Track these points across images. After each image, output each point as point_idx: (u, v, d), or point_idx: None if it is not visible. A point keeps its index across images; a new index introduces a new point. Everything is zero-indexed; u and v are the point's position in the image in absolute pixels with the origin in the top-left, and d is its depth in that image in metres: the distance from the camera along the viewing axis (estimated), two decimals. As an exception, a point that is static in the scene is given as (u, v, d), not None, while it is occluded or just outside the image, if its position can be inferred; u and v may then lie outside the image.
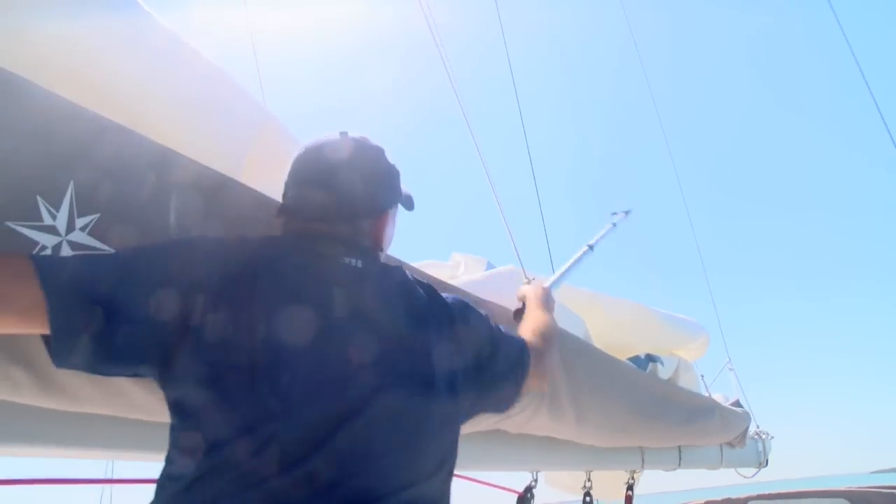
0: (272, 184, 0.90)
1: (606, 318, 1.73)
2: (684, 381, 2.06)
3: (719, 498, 3.89)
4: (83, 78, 0.73)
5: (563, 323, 1.49)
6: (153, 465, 0.87)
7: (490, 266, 1.76)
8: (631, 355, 1.80)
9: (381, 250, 0.96)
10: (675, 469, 2.40)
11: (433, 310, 0.92)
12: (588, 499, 2.16)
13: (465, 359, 0.92)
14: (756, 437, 2.91)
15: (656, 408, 1.84)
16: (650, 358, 1.90)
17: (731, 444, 2.54)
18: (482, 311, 1.01)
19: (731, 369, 3.28)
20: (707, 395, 2.23)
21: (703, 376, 2.31)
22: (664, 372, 1.95)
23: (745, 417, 2.57)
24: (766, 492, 3.82)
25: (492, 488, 1.86)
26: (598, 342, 1.65)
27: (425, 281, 0.97)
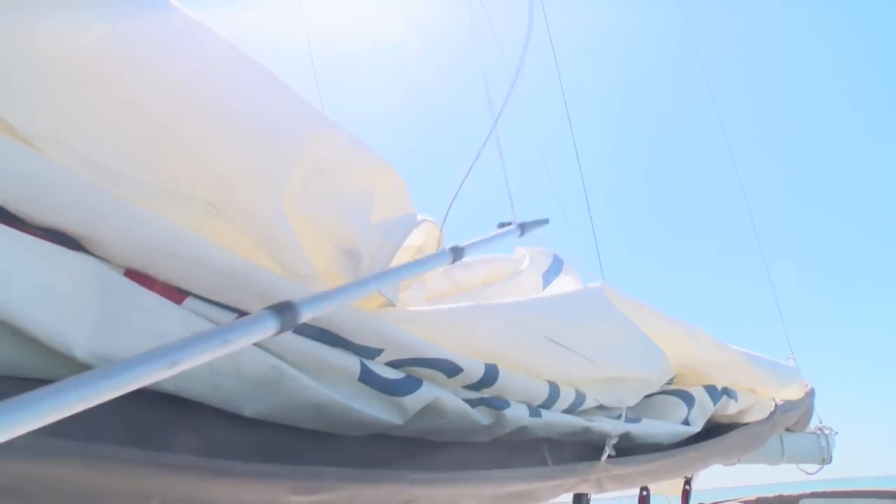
0: (326, 196, 0.85)
1: (689, 351, 1.64)
2: (751, 417, 1.99)
3: (772, 494, 3.80)
4: (109, 77, 0.68)
5: (641, 351, 1.42)
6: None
7: (557, 260, 1.70)
8: (707, 384, 1.73)
9: None
10: (734, 464, 2.35)
11: None
12: (645, 493, 2.12)
13: None
14: (818, 432, 2.83)
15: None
16: (725, 391, 1.81)
17: (789, 430, 2.47)
18: None
19: (792, 359, 3.20)
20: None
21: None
22: (734, 407, 1.88)
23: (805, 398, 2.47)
24: (822, 489, 3.70)
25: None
26: (676, 367, 1.59)
27: None
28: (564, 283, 1.76)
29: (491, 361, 1.08)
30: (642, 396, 1.52)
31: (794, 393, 2.21)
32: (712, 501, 3.58)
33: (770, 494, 3.80)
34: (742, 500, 3.62)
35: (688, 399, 1.65)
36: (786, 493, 3.82)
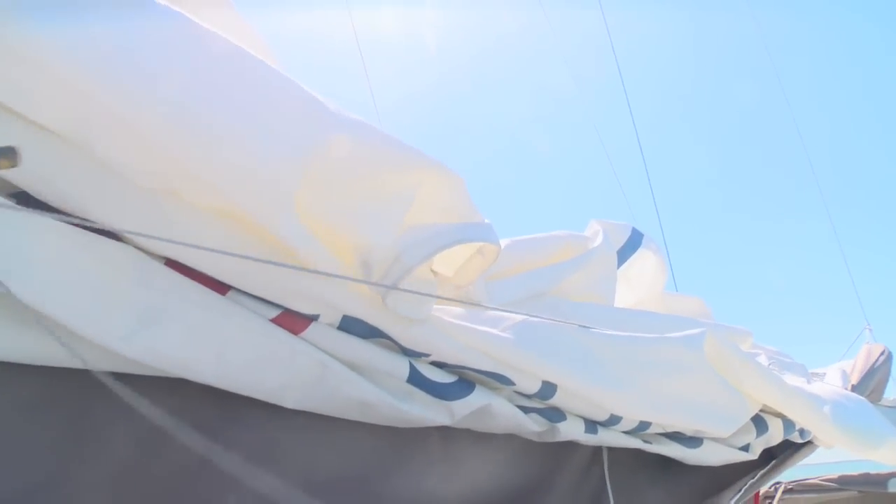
0: (344, 202, 0.78)
1: (782, 411, 1.47)
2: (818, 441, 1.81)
3: (857, 472, 3.58)
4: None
5: (722, 409, 1.28)
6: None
7: (636, 234, 1.55)
8: (788, 419, 1.57)
9: None
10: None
11: None
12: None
13: None
14: (908, 405, 2.62)
15: None
16: (801, 431, 1.63)
17: None
18: None
19: (868, 329, 2.94)
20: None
21: None
22: (801, 439, 1.70)
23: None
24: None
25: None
26: (754, 404, 1.41)
27: None
28: (644, 260, 1.61)
29: (550, 382, 0.99)
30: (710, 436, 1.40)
31: (888, 456, 1.92)
32: (792, 479, 3.41)
33: (854, 472, 3.57)
34: (824, 478, 3.42)
35: (760, 426, 1.49)
36: (873, 471, 3.58)
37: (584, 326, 1.02)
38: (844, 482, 3.38)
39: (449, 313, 0.93)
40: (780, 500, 3.36)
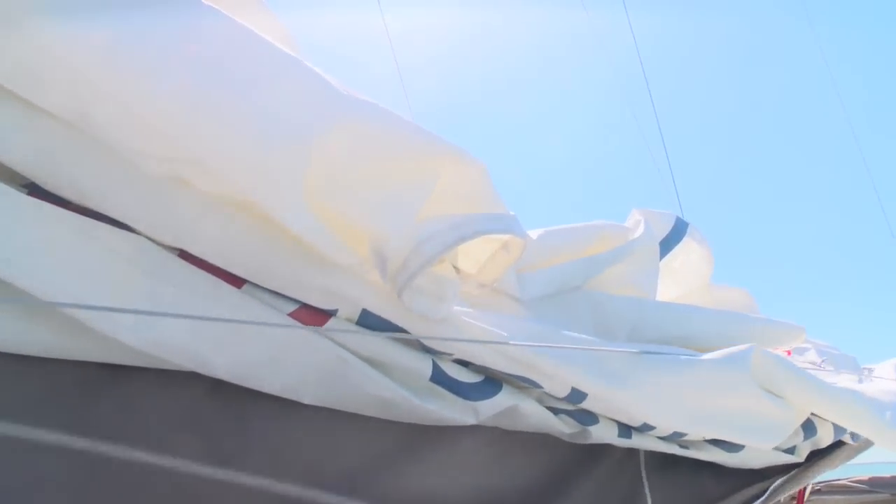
0: (354, 190, 0.73)
1: (830, 417, 1.37)
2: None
3: (888, 475, 3.46)
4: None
5: (765, 426, 1.19)
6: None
7: (680, 224, 1.46)
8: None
9: None
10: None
11: None
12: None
13: None
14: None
15: None
16: (854, 434, 1.53)
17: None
18: None
19: None
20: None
21: None
22: (850, 440, 1.60)
23: None
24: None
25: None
26: (801, 415, 1.31)
27: None
28: (688, 251, 1.52)
29: (579, 390, 0.92)
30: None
31: None
32: (822, 480, 3.32)
33: (886, 475, 3.45)
34: (854, 479, 3.32)
35: (809, 430, 1.39)
36: (903, 473, 3.46)
37: (620, 350, 0.94)
38: (875, 485, 3.27)
39: (472, 312, 0.87)
40: (808, 500, 3.27)
